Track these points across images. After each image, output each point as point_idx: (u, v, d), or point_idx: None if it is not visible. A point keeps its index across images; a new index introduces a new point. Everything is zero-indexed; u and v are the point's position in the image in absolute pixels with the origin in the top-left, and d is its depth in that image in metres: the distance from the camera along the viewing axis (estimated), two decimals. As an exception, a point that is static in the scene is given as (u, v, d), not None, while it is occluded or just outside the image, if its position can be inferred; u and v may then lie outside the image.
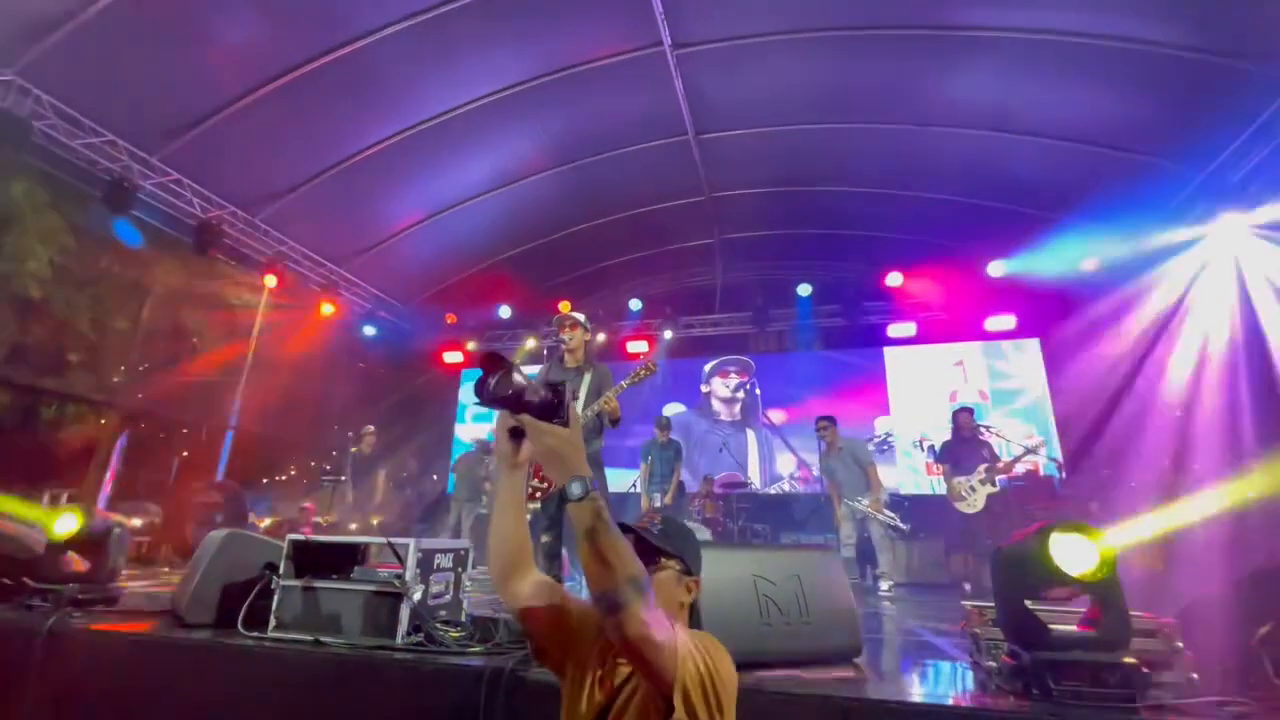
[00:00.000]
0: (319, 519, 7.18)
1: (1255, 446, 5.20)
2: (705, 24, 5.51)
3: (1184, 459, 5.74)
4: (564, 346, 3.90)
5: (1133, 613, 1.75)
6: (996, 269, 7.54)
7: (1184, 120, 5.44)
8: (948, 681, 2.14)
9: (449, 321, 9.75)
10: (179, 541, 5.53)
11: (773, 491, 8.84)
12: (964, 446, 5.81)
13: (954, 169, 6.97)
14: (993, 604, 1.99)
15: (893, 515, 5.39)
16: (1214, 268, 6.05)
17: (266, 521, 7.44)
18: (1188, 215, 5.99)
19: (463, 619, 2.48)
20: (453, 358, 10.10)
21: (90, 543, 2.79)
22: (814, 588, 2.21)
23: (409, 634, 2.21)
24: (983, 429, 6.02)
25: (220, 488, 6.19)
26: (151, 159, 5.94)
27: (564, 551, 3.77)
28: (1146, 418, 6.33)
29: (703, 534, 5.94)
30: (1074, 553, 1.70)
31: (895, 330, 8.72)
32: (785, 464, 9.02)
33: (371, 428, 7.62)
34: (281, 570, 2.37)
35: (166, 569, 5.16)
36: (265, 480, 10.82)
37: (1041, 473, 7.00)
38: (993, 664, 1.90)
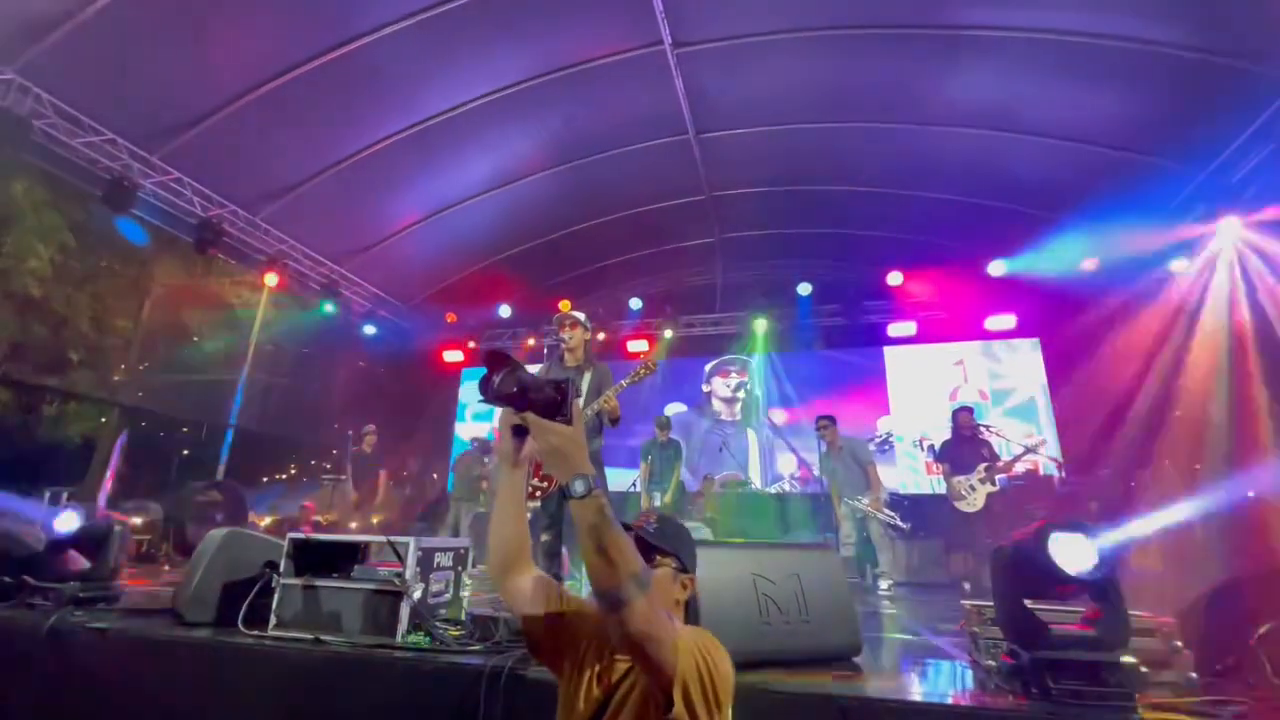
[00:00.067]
0: (319, 517, 7.19)
1: (1254, 446, 5.21)
2: (706, 23, 5.50)
3: (1184, 459, 5.75)
4: (564, 345, 3.90)
5: (1132, 612, 1.75)
6: (996, 269, 7.54)
7: (1184, 120, 5.43)
8: (947, 680, 2.14)
9: (449, 320, 9.75)
10: (179, 540, 5.53)
11: (773, 491, 8.84)
12: (964, 446, 5.81)
13: (954, 168, 6.96)
14: (992, 603, 1.99)
15: (892, 514, 5.40)
16: (1214, 267, 6.05)
17: (267, 520, 7.46)
18: (1188, 215, 5.99)
19: (462, 617, 2.49)
20: (453, 357, 10.11)
21: (91, 541, 2.80)
22: (813, 587, 2.21)
23: (409, 632, 2.22)
24: (983, 428, 6.02)
25: (220, 486, 6.18)
26: (152, 158, 5.93)
27: (564, 550, 3.78)
28: (1146, 417, 6.34)
29: (703, 533, 5.94)
30: (1073, 552, 1.70)
31: (895, 329, 8.72)
32: (786, 464, 9.02)
33: (372, 427, 7.63)
34: (282, 569, 2.38)
35: (167, 567, 5.16)
36: (265, 479, 10.84)
37: (1041, 472, 7.00)
38: (992, 663, 1.91)
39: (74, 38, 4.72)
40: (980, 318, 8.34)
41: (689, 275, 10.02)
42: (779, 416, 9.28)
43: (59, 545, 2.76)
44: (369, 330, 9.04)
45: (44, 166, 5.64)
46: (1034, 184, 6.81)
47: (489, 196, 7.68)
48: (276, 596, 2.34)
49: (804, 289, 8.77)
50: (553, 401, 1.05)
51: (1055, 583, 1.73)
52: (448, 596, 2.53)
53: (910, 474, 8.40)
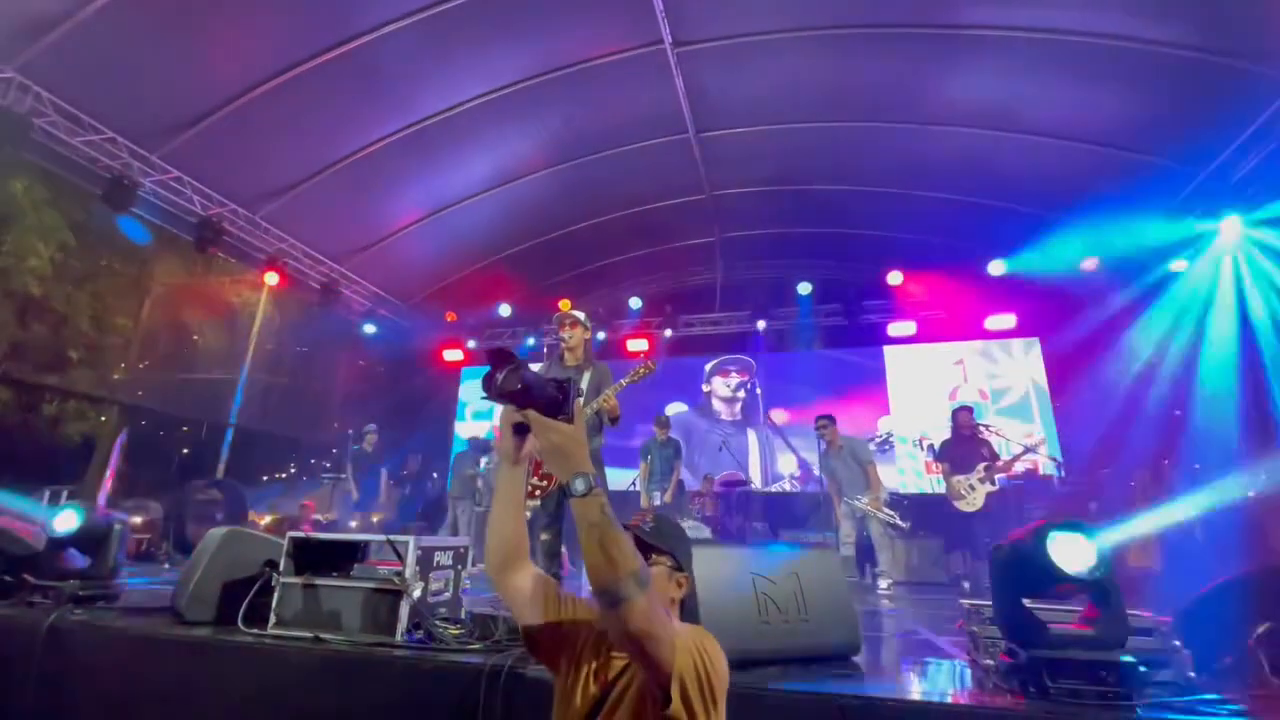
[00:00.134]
0: (319, 516, 7.20)
1: (1254, 445, 5.21)
2: (706, 22, 5.50)
3: (1183, 459, 5.76)
4: (564, 344, 3.89)
5: (1130, 611, 1.76)
6: (996, 268, 7.54)
7: (1184, 120, 5.44)
8: (946, 679, 2.14)
9: (449, 319, 9.75)
10: (179, 538, 5.53)
11: (773, 490, 8.84)
12: (963, 445, 5.82)
13: (955, 168, 6.96)
14: (991, 602, 1.99)
15: (892, 513, 5.40)
16: (1214, 267, 6.06)
17: (266, 519, 7.45)
18: (1188, 215, 5.99)
19: (462, 616, 2.49)
20: (453, 356, 10.10)
21: (91, 540, 2.80)
22: (813, 586, 2.21)
23: (408, 631, 2.22)
24: (982, 428, 6.02)
25: (220, 485, 6.19)
26: (152, 156, 5.93)
27: (564, 549, 3.78)
28: (1146, 417, 6.35)
29: (702, 532, 5.95)
30: (1072, 551, 1.70)
31: (895, 329, 8.71)
32: (786, 464, 9.02)
33: (373, 426, 7.64)
34: (282, 567, 2.38)
35: (167, 566, 5.16)
36: (265, 477, 10.84)
37: (1041, 472, 7.01)
38: (991, 662, 1.91)
39: (74, 37, 4.72)
40: (980, 317, 8.33)
41: (689, 275, 10.03)
42: (779, 416, 9.28)
43: (59, 544, 2.76)
44: (369, 329, 9.05)
45: (44, 165, 5.65)
46: (1034, 184, 6.81)
47: (489, 195, 7.68)
48: (276, 595, 2.34)
49: (804, 289, 8.77)
50: (555, 400, 1.05)
51: (1054, 582, 1.72)
52: (447, 595, 2.54)
53: (911, 474, 8.40)
